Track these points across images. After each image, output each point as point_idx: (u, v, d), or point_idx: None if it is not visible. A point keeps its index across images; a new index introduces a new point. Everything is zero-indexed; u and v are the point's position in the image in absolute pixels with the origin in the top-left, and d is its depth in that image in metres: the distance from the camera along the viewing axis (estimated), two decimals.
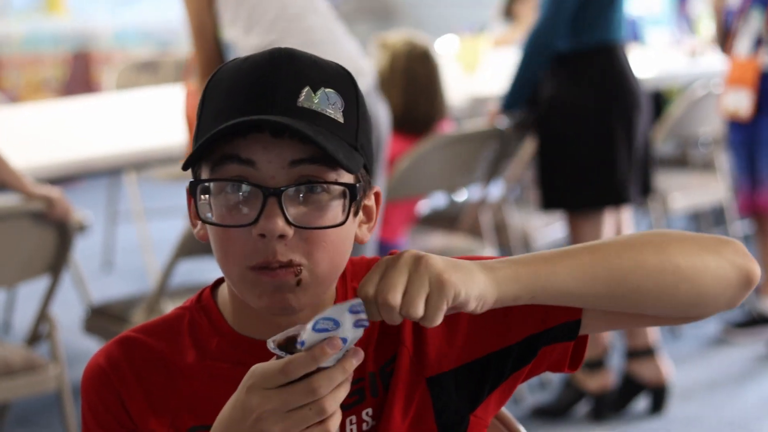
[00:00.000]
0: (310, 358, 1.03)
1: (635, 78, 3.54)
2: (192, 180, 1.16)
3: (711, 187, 4.79)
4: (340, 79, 1.17)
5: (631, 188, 3.52)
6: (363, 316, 1.06)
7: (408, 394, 1.23)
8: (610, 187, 3.49)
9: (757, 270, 1.20)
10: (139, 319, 3.05)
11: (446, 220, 4.01)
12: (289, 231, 1.11)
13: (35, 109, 4.83)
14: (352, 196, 1.14)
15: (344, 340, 1.04)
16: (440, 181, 3.65)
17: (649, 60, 5.25)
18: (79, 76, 7.43)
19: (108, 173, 5.04)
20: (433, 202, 4.51)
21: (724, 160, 4.86)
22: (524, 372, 1.25)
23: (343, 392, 1.05)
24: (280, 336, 1.06)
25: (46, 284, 2.97)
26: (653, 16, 7.33)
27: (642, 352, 3.58)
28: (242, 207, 1.13)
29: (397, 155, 3.50)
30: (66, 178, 3.80)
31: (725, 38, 4.32)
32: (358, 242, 1.20)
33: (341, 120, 1.14)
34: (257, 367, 1.06)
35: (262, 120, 1.11)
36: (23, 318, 4.03)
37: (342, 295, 1.24)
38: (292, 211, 1.12)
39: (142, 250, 5.04)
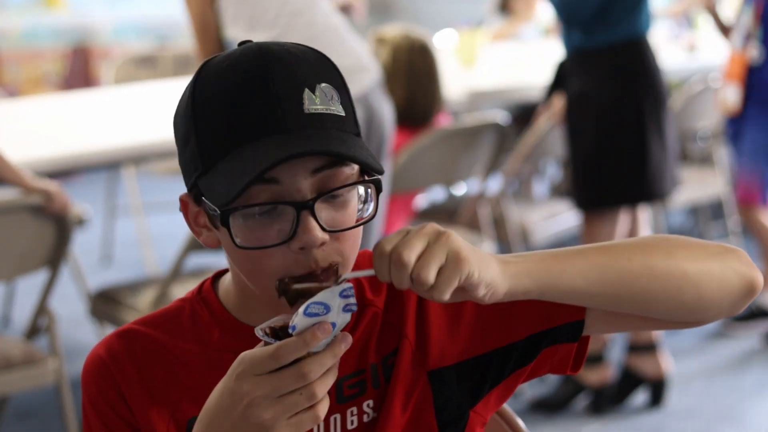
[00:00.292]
0: (301, 343, 1.03)
1: (662, 72, 3.51)
2: (218, 209, 1.11)
3: (709, 182, 4.80)
4: (324, 67, 1.17)
5: (664, 184, 3.51)
6: (352, 300, 1.07)
7: (409, 386, 1.23)
8: (644, 184, 3.47)
9: (759, 279, 1.22)
10: (145, 304, 3.06)
11: (445, 213, 4.00)
12: (327, 238, 1.12)
13: (34, 103, 4.82)
14: (378, 189, 1.15)
15: (333, 325, 1.05)
16: (438, 175, 3.65)
17: None
18: (78, 70, 7.43)
19: (107, 167, 5.04)
20: (431, 195, 4.51)
21: (722, 155, 4.86)
22: (526, 371, 1.26)
23: (332, 377, 1.06)
24: (266, 324, 1.07)
25: (45, 278, 2.97)
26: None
27: (644, 347, 3.58)
28: (274, 224, 1.12)
29: (397, 148, 3.50)
30: (65, 172, 3.81)
31: (726, 32, 4.32)
32: None
33: (343, 113, 1.15)
34: (246, 354, 1.06)
35: (299, 153, 1.08)
36: (22, 312, 4.03)
37: None
38: (323, 217, 1.12)
39: (140, 244, 5.05)
